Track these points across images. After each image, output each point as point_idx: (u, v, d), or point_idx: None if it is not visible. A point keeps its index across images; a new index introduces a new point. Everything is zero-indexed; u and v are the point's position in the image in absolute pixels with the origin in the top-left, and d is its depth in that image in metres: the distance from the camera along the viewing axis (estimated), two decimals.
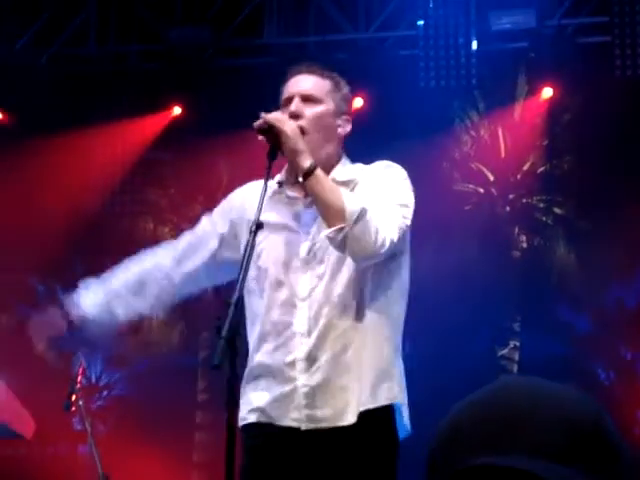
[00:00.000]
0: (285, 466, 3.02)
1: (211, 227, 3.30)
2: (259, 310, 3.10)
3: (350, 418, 3.00)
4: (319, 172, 2.94)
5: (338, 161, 3.18)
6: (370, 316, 3.04)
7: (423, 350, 8.57)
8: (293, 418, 3.02)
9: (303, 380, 3.02)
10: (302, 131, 3.01)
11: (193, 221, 3.47)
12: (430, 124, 9.03)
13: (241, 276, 2.65)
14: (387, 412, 3.04)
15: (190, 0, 8.99)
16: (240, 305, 2.69)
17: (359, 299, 3.04)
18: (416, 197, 3.10)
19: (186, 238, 3.35)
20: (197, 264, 3.28)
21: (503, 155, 10.01)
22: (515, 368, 9.79)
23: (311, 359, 3.02)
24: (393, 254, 3.02)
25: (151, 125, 9.36)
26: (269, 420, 3.05)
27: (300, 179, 2.95)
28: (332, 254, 3.01)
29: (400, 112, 8.61)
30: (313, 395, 3.01)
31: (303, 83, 3.18)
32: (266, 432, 3.05)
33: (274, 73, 8.20)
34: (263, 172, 2.97)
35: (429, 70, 8.18)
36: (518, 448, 1.02)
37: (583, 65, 8.29)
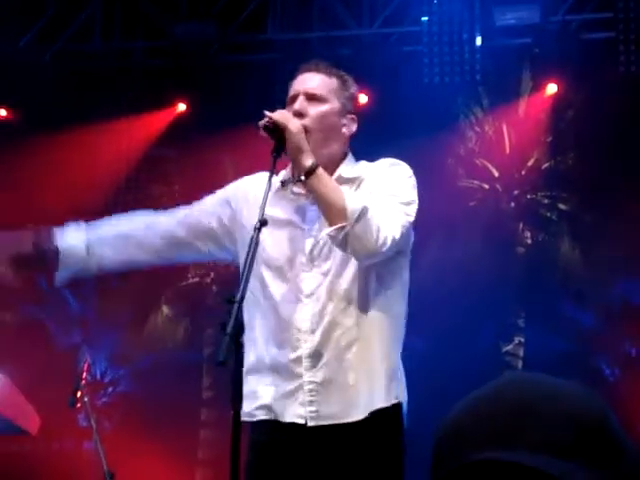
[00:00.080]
0: (291, 463, 3.03)
1: (211, 207, 3.30)
2: (263, 306, 3.11)
3: (357, 415, 3.01)
4: (321, 171, 2.94)
5: (343, 160, 3.18)
6: (374, 314, 3.05)
7: (428, 346, 8.58)
8: (298, 415, 3.02)
9: (308, 377, 3.03)
10: (305, 130, 3.01)
11: None
12: (434, 120, 9.02)
13: (245, 273, 2.65)
14: (397, 410, 3.06)
15: None
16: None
17: (363, 297, 3.04)
18: (420, 193, 3.09)
19: (184, 210, 3.34)
20: (188, 236, 3.27)
21: (508, 151, 10.01)
22: (520, 364, 9.79)
23: (316, 356, 3.03)
24: (397, 252, 3.02)
25: (156, 121, 9.36)
26: (274, 417, 3.05)
27: (302, 178, 2.95)
28: (337, 251, 3.01)
29: (404, 108, 8.59)
30: (318, 392, 3.02)
31: (309, 81, 3.17)
32: (271, 428, 3.06)
33: (278, 69, 8.26)
34: (268, 169, 2.97)
35: (433, 66, 8.16)
36: (523, 443, 1.03)
37: (587, 61, 8.27)
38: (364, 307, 3.04)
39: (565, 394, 1.08)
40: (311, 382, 3.02)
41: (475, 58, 8.15)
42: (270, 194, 2.89)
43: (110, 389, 10.61)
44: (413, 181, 3.11)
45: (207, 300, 10.48)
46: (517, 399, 1.07)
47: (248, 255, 2.72)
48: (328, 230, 2.89)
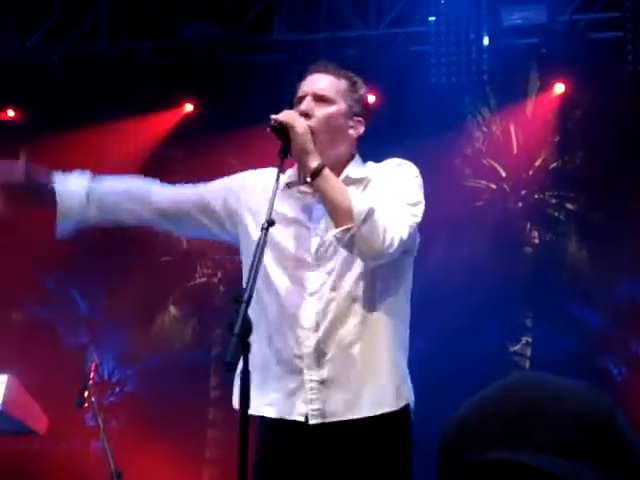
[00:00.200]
0: (298, 462, 3.03)
1: (218, 188, 3.30)
2: (268, 304, 3.11)
3: (360, 412, 3.00)
4: (327, 172, 2.93)
5: (350, 161, 3.17)
6: (379, 313, 3.05)
7: (434, 346, 8.57)
8: (302, 412, 3.02)
9: (311, 374, 3.03)
10: (311, 131, 3.01)
11: None
12: (442, 120, 9.02)
13: (253, 273, 2.64)
14: (405, 411, 3.07)
15: None
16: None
17: (368, 296, 3.04)
18: (427, 193, 3.09)
19: (193, 187, 3.33)
20: (194, 208, 3.25)
21: (515, 151, 10.00)
22: (527, 364, 9.79)
23: (319, 353, 3.03)
24: (403, 252, 3.02)
25: (162, 122, 9.37)
26: (279, 415, 3.06)
27: (308, 179, 2.95)
28: (342, 251, 3.01)
29: (411, 108, 8.59)
30: (321, 390, 3.02)
31: (317, 82, 3.17)
32: (278, 427, 3.06)
33: (285, 70, 8.26)
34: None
35: (440, 66, 8.16)
36: (529, 443, 1.03)
37: (595, 61, 8.26)
38: (368, 306, 3.04)
39: (572, 394, 1.08)
40: (314, 380, 3.02)
41: (482, 58, 8.14)
42: (277, 192, 2.89)
43: (117, 389, 10.63)
44: (420, 181, 3.11)
45: (214, 300, 10.50)
46: (524, 399, 1.07)
47: (255, 256, 2.70)
48: (334, 231, 2.89)
